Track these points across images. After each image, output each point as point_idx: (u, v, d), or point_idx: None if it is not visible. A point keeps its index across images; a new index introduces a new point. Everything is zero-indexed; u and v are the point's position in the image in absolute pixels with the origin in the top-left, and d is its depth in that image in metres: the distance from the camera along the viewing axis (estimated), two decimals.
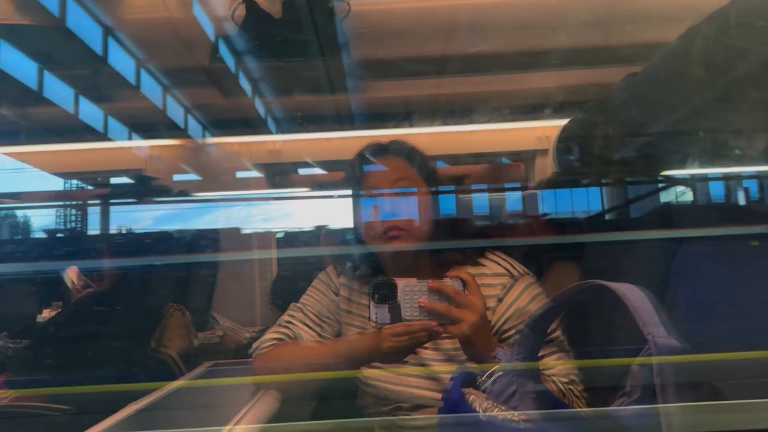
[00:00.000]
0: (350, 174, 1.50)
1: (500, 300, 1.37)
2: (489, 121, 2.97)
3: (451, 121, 3.08)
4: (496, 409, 1.06)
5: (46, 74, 2.54)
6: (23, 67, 2.44)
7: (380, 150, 1.49)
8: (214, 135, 3.20)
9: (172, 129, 2.92)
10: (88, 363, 1.67)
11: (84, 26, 2.24)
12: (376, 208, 1.42)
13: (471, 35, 2.54)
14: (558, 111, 2.75)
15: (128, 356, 1.79)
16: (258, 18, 2.10)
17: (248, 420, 1.30)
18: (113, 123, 2.89)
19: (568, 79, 2.69)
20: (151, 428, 1.44)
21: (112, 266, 2.10)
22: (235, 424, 1.28)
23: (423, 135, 3.04)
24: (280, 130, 3.19)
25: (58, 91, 2.64)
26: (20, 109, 2.66)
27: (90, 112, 2.75)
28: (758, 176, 2.10)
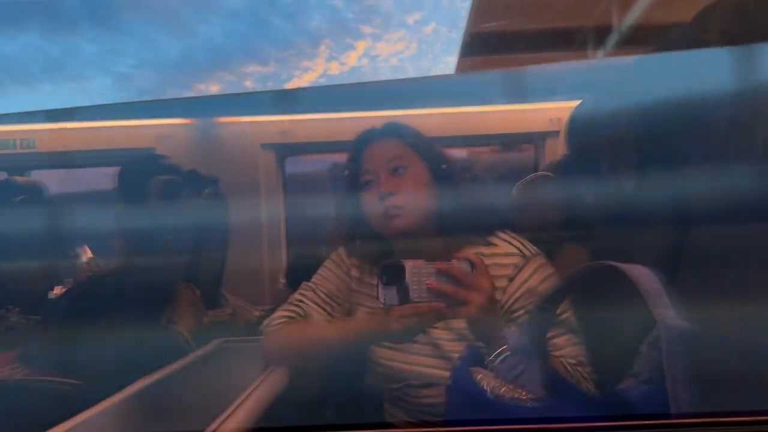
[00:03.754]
0: (349, 158, 1.50)
1: (511, 279, 1.36)
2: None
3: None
4: (503, 388, 1.07)
5: None
6: None
7: (374, 133, 1.49)
8: None
9: None
10: (99, 338, 1.69)
11: None
12: (374, 189, 1.42)
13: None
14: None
15: (139, 332, 1.81)
16: None
17: (256, 396, 1.31)
18: None
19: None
20: (160, 403, 1.46)
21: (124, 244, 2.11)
22: (243, 400, 1.29)
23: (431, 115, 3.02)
24: None
25: None
26: None
27: None
28: None
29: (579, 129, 1.78)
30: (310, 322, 1.49)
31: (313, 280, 1.57)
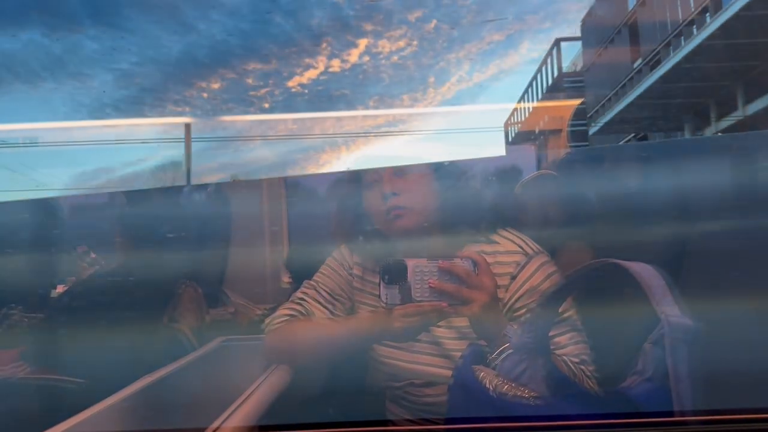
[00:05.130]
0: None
1: (513, 278, 1.36)
2: None
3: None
4: (506, 386, 1.07)
5: None
6: None
7: None
8: None
9: None
10: (100, 337, 1.69)
11: None
12: (378, 188, 1.42)
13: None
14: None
15: (140, 331, 1.81)
16: None
17: (258, 394, 1.31)
18: None
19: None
20: (162, 401, 1.45)
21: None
22: (246, 398, 1.29)
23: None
24: None
25: None
26: None
27: None
28: None
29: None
30: (312, 321, 1.48)
31: (315, 278, 1.56)
